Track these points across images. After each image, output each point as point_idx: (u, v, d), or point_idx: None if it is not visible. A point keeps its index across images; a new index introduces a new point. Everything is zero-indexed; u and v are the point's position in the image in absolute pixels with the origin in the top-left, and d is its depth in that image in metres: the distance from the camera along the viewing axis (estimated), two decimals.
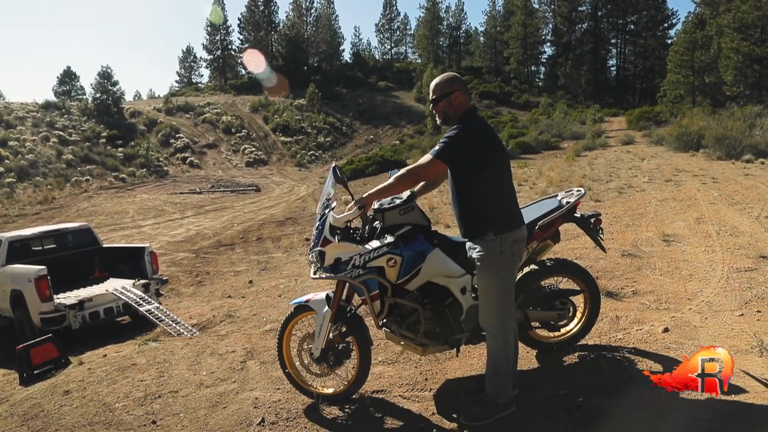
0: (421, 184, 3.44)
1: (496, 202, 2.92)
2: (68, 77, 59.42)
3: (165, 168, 37.06)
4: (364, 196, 3.00)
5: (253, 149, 42.25)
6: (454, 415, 3.12)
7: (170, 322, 6.59)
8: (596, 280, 5.14)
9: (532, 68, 65.95)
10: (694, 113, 26.35)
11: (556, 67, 59.99)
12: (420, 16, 73.26)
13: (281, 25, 68.73)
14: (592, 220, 3.63)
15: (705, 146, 17.83)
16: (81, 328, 7.15)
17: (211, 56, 68.68)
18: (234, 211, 22.49)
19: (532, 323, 3.61)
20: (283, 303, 6.82)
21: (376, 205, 3.30)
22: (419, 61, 72.76)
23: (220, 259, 14.12)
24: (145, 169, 35.65)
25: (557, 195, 3.72)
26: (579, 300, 3.71)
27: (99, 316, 7.32)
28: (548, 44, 64.15)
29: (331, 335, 3.39)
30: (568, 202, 3.54)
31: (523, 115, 48.79)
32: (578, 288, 3.66)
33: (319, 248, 3.23)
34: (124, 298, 7.34)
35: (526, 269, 3.56)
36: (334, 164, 3.46)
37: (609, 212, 8.95)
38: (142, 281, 7.88)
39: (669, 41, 56.71)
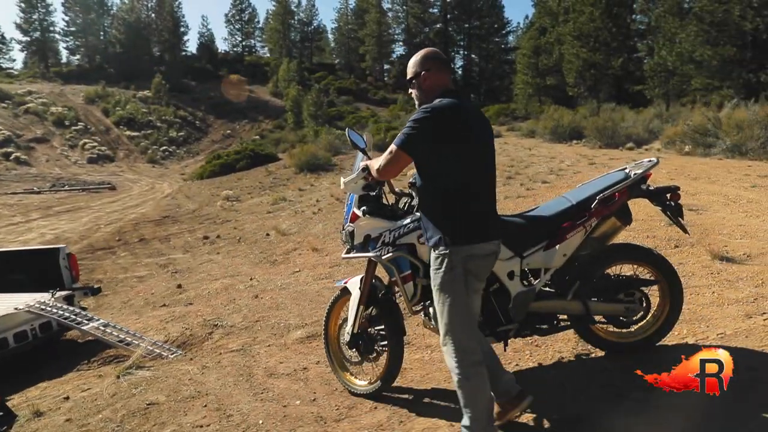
0: None
1: (454, 206, 2.42)
2: None
3: None
4: (370, 161, 2.76)
5: (95, 144, 37.30)
6: None
7: (137, 342, 4.93)
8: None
9: (386, 66, 67.26)
10: (552, 110, 28.51)
11: None
12: (270, 10, 71.01)
13: (115, 8, 61.95)
14: (668, 194, 3.01)
15: (586, 137, 19.17)
16: None
17: (28, 38, 59.36)
18: (92, 211, 19.62)
19: (595, 317, 3.06)
20: (288, 306, 5.58)
21: (413, 179, 2.87)
22: (269, 55, 70.37)
23: (104, 264, 11.84)
24: None
25: (626, 167, 3.16)
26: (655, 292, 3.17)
27: (7, 346, 5.26)
28: (400, 43, 66.01)
29: (362, 320, 3.14)
30: (636, 174, 2.98)
31: (381, 111, 49.45)
32: (653, 278, 3.10)
33: (348, 224, 3.06)
34: (48, 315, 5.38)
35: (587, 254, 3.03)
36: (347, 129, 3.26)
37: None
38: (63, 293, 5.92)
39: (506, 47, 62.03)
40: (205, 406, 3.29)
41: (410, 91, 2.63)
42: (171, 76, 51.85)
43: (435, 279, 2.43)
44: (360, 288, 3.09)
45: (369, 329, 3.16)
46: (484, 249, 2.41)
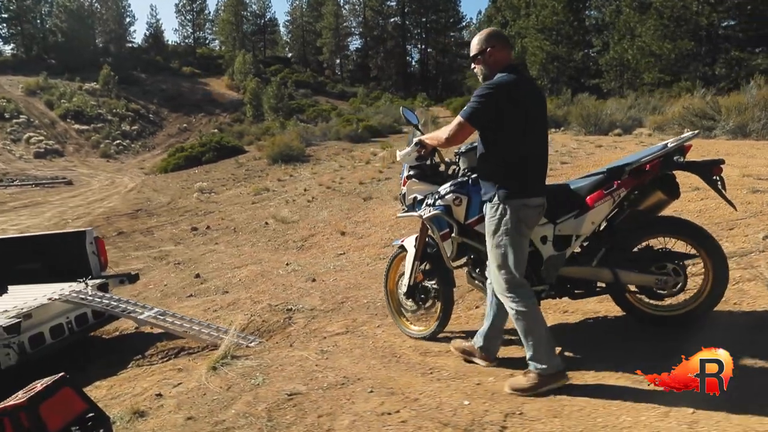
0: None
1: (512, 167, 2.71)
2: None
3: None
4: (423, 136, 3.13)
5: (41, 138, 34.94)
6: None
7: (207, 331, 4.31)
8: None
9: (343, 59, 66.44)
10: None
11: (368, 59, 61.36)
12: (222, 1, 68.85)
13: None
14: (712, 168, 2.80)
15: (567, 124, 19.26)
16: (17, 364, 4.29)
17: None
18: (54, 206, 18.42)
19: (628, 286, 3.04)
20: (369, 285, 5.17)
21: (463, 148, 3.24)
22: (219, 48, 68.28)
23: None
24: None
25: (668, 141, 2.96)
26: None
27: (44, 342, 4.51)
28: (357, 36, 65.42)
29: (417, 273, 3.48)
30: (671, 146, 2.82)
31: (341, 104, 48.67)
32: (693, 252, 2.97)
33: (402, 188, 3.51)
34: (92, 305, 4.66)
35: (628, 225, 3.03)
36: (402, 108, 3.63)
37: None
38: (97, 281, 5.18)
39: (462, 41, 62.51)
40: (371, 391, 2.75)
41: (473, 66, 2.83)
42: (118, 68, 49.37)
43: (489, 226, 2.71)
44: (415, 245, 3.44)
45: (423, 281, 3.50)
46: (535, 201, 2.71)
